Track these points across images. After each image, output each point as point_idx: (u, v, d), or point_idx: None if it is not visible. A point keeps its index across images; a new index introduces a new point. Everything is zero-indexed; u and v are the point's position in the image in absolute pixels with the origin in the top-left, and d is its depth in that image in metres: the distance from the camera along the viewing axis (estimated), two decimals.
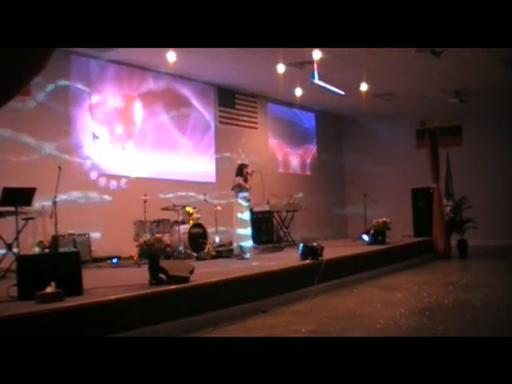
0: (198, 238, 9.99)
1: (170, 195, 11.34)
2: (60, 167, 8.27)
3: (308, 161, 16.30)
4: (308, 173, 16.26)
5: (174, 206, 10.03)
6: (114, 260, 9.41)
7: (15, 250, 7.64)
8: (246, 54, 10.21)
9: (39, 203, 8.38)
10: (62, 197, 9.01)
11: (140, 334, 5.09)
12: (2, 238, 7.84)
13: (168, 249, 6.71)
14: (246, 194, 9.51)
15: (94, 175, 10.40)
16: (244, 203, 9.48)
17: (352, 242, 11.96)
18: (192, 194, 11.88)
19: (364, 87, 12.33)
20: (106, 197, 10.51)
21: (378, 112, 16.24)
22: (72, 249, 8.49)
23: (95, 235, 9.81)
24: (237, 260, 9.13)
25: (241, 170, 9.64)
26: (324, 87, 11.02)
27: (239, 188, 9.47)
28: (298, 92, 12.66)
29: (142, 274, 6.60)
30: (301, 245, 8.42)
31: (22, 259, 5.87)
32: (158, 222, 9.90)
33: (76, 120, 10.26)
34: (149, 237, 6.60)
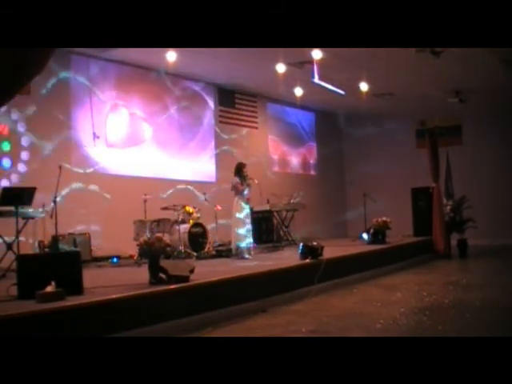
0: (198, 238, 9.99)
1: (170, 195, 11.34)
2: (60, 167, 8.28)
3: (307, 160, 16.30)
4: (308, 172, 16.26)
5: (174, 205, 10.03)
6: (114, 259, 9.41)
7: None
8: (245, 54, 10.20)
9: (39, 203, 8.37)
10: (62, 196, 9.03)
11: (140, 333, 5.08)
12: (2, 237, 7.85)
13: (168, 248, 6.71)
14: (245, 194, 9.51)
15: (94, 175, 10.39)
16: (243, 203, 9.48)
17: (352, 242, 11.96)
18: (192, 193, 11.87)
19: (364, 87, 12.32)
20: (107, 196, 10.50)
21: (378, 112, 16.22)
22: (72, 248, 8.49)
23: (95, 235, 9.79)
24: (237, 260, 9.13)
25: (239, 170, 9.63)
26: (324, 87, 11.00)
27: (237, 189, 9.47)
28: (298, 92, 12.65)
29: (142, 273, 6.60)
30: (301, 244, 8.42)
31: (21, 259, 5.87)
32: (158, 221, 9.90)
33: (76, 120, 10.26)
34: (149, 236, 6.60)
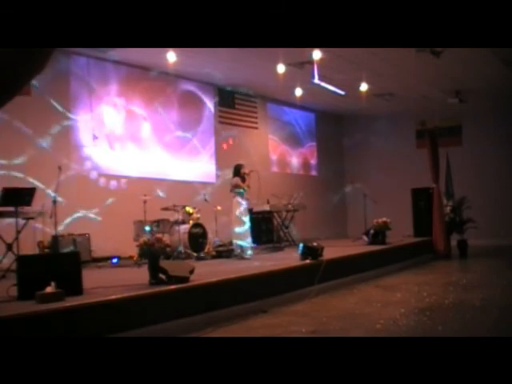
0: (197, 238, 9.99)
1: (170, 195, 11.33)
2: (60, 167, 8.27)
3: (307, 161, 16.30)
4: (307, 173, 16.26)
5: (174, 206, 10.02)
6: (114, 260, 9.40)
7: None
8: (245, 54, 10.20)
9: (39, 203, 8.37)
10: (61, 196, 9.02)
11: (140, 334, 5.08)
12: (2, 238, 7.84)
13: (168, 249, 6.71)
14: (244, 194, 9.52)
15: (93, 175, 10.40)
16: (243, 203, 9.48)
17: (352, 242, 11.95)
18: (192, 193, 11.87)
19: (364, 87, 12.32)
20: (106, 197, 10.50)
21: (378, 112, 16.22)
22: (72, 249, 8.49)
23: (95, 235, 9.78)
24: (237, 260, 9.13)
25: (238, 171, 9.65)
26: (324, 87, 11.01)
27: (237, 188, 9.48)
28: (298, 92, 12.65)
29: (141, 274, 6.59)
30: (301, 245, 8.42)
31: (21, 259, 5.87)
32: (158, 222, 9.89)
33: (76, 120, 10.25)
34: (149, 237, 6.60)
